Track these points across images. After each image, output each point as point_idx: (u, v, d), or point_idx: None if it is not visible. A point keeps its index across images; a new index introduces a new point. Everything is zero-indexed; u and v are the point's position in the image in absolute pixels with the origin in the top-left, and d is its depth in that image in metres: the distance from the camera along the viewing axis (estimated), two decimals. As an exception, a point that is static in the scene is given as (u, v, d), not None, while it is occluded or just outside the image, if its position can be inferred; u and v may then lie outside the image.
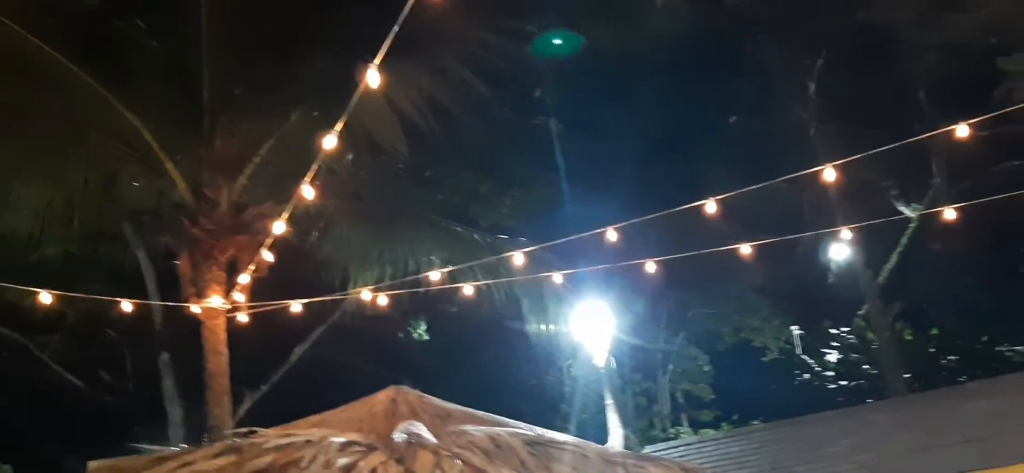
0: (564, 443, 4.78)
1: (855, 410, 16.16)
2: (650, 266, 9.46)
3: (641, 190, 16.22)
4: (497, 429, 4.68)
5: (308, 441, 4.18)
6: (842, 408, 15.81)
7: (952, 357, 20.79)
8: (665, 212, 8.70)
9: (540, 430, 4.88)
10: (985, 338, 20.80)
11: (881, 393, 19.13)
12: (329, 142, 6.54)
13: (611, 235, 8.77)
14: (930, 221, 20.83)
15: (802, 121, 19.08)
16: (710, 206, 7.73)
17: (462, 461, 4.10)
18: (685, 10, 16.90)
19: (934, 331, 21.59)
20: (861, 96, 18.03)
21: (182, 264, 9.84)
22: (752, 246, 8.59)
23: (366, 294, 10.49)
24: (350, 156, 10.29)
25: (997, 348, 20.61)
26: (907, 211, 21.27)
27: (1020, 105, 9.37)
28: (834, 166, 8.68)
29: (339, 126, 6.34)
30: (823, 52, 19.04)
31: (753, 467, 12.22)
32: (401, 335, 20.22)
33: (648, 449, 16.11)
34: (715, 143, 19.53)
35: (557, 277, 10.01)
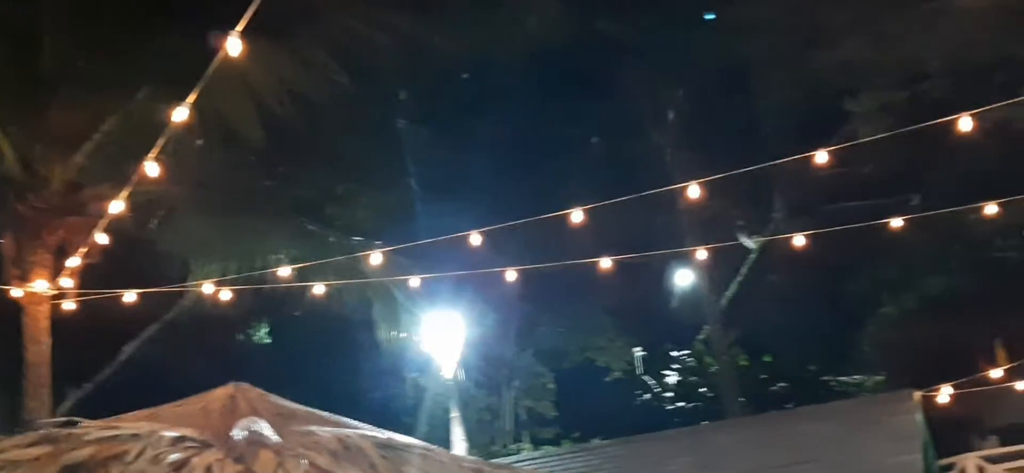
0: (416, 447, 4.60)
1: (694, 430, 16.66)
2: (504, 278, 9.38)
3: (501, 202, 16.20)
4: (345, 430, 4.43)
5: (135, 435, 3.81)
6: (681, 427, 16.25)
7: (782, 383, 21.85)
8: (517, 222, 8.63)
9: (390, 434, 4.66)
10: (812, 367, 21.98)
11: (717, 415, 19.85)
12: (180, 114, 6.09)
13: (468, 242, 8.64)
14: (769, 253, 21.93)
15: (660, 147, 19.63)
16: (569, 217, 7.71)
17: (308, 462, 3.83)
18: (557, 29, 17.09)
19: (767, 358, 22.64)
20: (717, 127, 18.71)
21: (5, 243, 9.04)
22: (611, 261, 8.62)
23: (207, 288, 9.92)
24: (200, 141, 9.72)
25: (822, 377, 21.82)
26: (748, 242, 22.27)
27: (859, 140, 9.87)
28: (676, 189, 8.87)
29: (192, 98, 5.92)
30: (685, 81, 19.68)
31: (593, 482, 12.33)
32: (241, 337, 19.42)
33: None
34: (575, 162, 19.81)
35: (414, 281, 9.80)
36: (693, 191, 7.45)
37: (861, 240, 21.25)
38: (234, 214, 11.13)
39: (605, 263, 8.66)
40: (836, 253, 21.61)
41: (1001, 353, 13.15)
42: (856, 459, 10.83)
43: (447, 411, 18.48)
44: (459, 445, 16.77)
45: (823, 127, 14.77)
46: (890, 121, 12.72)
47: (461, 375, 18.37)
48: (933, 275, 19.41)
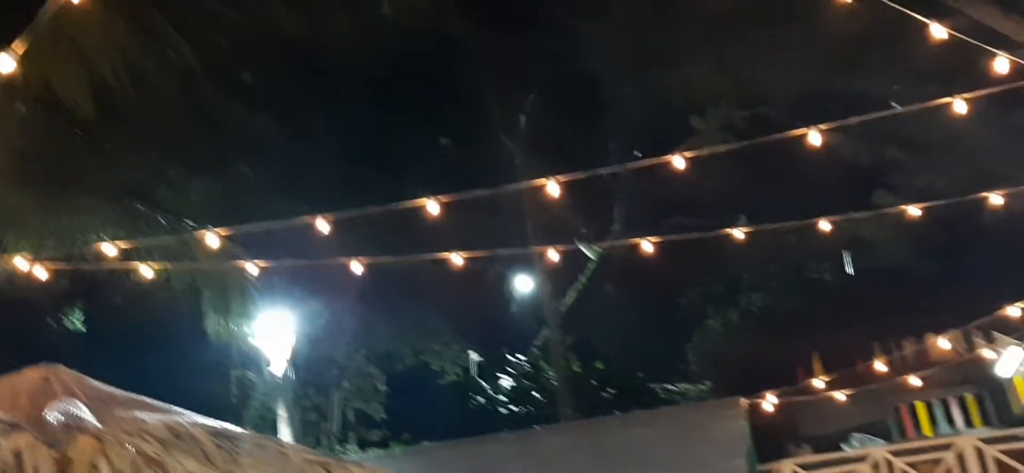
0: (249, 437, 4.30)
1: (527, 433, 16.76)
2: (339, 277, 9.06)
3: (343, 198, 15.78)
4: (175, 418, 4.09)
5: (-76, 417, 3.36)
6: (514, 431, 16.34)
7: (611, 390, 22.41)
8: (356, 212, 8.34)
9: (223, 423, 4.34)
10: (641, 374, 22.68)
11: (550, 421, 20.08)
12: (5, 64, 5.43)
13: (305, 236, 8.29)
14: (607, 263, 22.51)
15: (510, 152, 19.73)
16: (413, 210, 7.51)
17: (135, 450, 3.49)
18: (412, 24, 16.85)
19: (599, 365, 23.18)
20: (566, 136, 19.00)
21: None
22: (453, 257, 8.47)
23: (21, 264, 9.05)
24: (22, 107, 8.88)
25: (650, 385, 22.56)
26: (588, 251, 22.77)
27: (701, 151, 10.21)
28: (520, 187, 8.87)
29: (19, 48, 5.32)
30: (537, 88, 19.87)
31: (425, 485, 12.16)
32: (53, 323, 18.06)
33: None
34: (423, 162, 19.61)
35: (250, 268, 9.30)
36: (536, 189, 7.35)
37: (692, 256, 22.24)
38: (55, 189, 10.26)
39: (450, 259, 8.50)
40: (669, 267, 22.46)
41: (817, 366, 13.92)
42: (685, 464, 11.18)
43: (273, 410, 17.82)
44: (286, 445, 16.15)
45: (668, 143, 15.23)
46: (730, 141, 13.26)
47: (291, 373, 17.76)
48: (755, 291, 20.48)
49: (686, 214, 17.99)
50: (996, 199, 8.06)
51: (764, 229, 8.46)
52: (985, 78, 11.77)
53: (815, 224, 8.50)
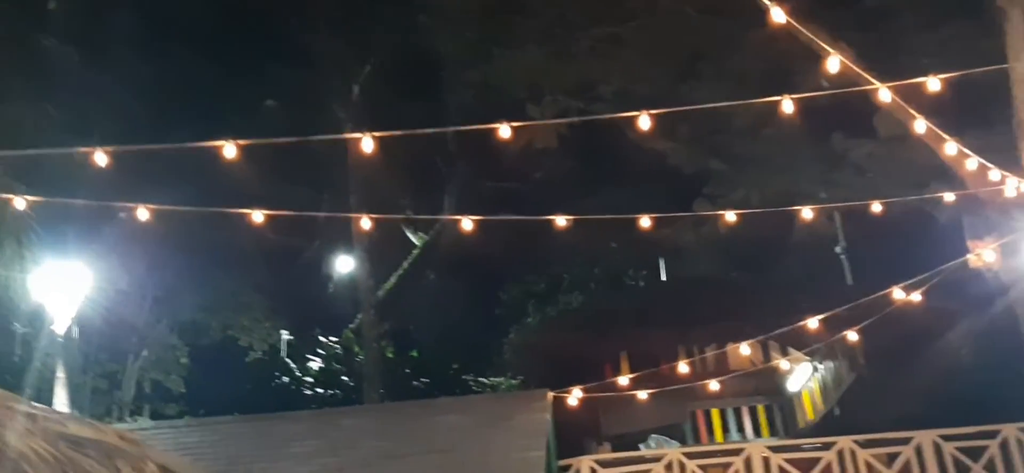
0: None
1: (327, 413, 16.14)
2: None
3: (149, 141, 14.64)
4: None
5: None
6: (315, 410, 15.70)
7: (425, 379, 22.10)
8: (157, 146, 7.58)
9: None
10: (455, 366, 22.50)
11: (356, 405, 19.55)
12: None
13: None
14: (433, 251, 22.18)
15: (339, 121, 18.97)
16: (222, 154, 6.87)
17: None
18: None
19: (413, 353, 22.81)
20: (400, 113, 18.48)
21: None
22: (265, 214, 7.85)
23: None
24: None
25: (464, 376, 22.41)
26: (413, 237, 22.38)
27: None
28: (336, 138, 8.44)
29: None
30: (374, 59, 19.21)
31: (210, 459, 11.31)
32: None
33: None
34: (245, 121, 18.57)
35: (19, 202, 8.31)
36: (367, 145, 6.89)
37: (517, 254, 22.35)
38: None
39: (251, 215, 7.86)
40: (494, 262, 22.49)
41: (624, 366, 14.10)
42: (486, 451, 10.95)
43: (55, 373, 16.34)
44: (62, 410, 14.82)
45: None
46: (564, 131, 13.22)
47: (75, 333, 16.33)
48: (575, 291, 20.75)
49: (517, 209, 17.86)
50: (807, 213, 8.27)
51: (587, 219, 8.33)
52: (804, 102, 12.33)
53: (636, 221, 8.45)
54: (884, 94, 6.04)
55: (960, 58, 7.45)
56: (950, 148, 6.78)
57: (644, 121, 6.28)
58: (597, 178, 15.11)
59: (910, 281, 8.67)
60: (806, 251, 14.24)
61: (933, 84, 6.08)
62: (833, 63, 6.11)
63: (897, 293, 9.04)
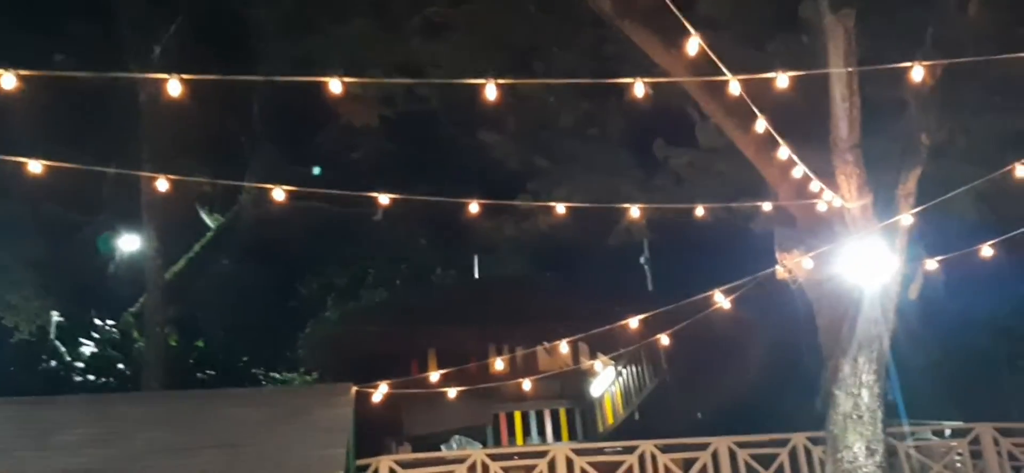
0: None
1: (101, 398, 14.66)
2: None
3: None
4: None
5: None
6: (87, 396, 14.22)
7: (210, 371, 20.71)
8: None
9: None
10: (245, 358, 21.25)
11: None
12: None
13: None
14: (229, 236, 20.82)
15: (134, 83, 17.35)
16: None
17: None
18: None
19: (199, 343, 21.34)
20: (206, 84, 17.11)
21: None
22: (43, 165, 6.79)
23: None
24: None
25: (254, 370, 21.19)
26: (209, 219, 20.90)
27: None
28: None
29: None
30: (178, 20, 17.69)
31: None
32: None
33: None
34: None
35: None
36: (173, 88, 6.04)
37: (321, 245, 21.41)
38: None
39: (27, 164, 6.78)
40: (295, 253, 21.45)
41: (432, 364, 13.69)
42: (281, 447, 10.18)
43: None
44: None
45: (320, 108, 14.15)
46: (386, 111, 12.61)
47: None
48: (381, 287, 20.10)
49: (329, 199, 17.04)
50: (635, 212, 8.17)
51: (405, 199, 7.82)
52: (628, 105, 12.41)
53: (457, 209, 8.05)
54: (734, 86, 5.96)
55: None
56: (783, 153, 6.85)
57: (491, 90, 5.84)
58: (417, 166, 14.57)
59: (720, 289, 8.74)
60: (618, 257, 14.39)
61: (782, 81, 6.06)
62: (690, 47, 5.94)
63: (707, 300, 9.15)
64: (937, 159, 8.66)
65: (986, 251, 7.61)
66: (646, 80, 6.15)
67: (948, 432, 11.64)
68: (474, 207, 7.74)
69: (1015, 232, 7.31)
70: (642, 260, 16.74)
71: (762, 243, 9.92)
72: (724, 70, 5.82)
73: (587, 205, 7.97)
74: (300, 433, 10.59)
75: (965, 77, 8.36)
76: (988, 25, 6.03)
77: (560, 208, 7.87)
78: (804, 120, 8.20)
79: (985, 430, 11.26)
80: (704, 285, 9.19)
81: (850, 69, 7.28)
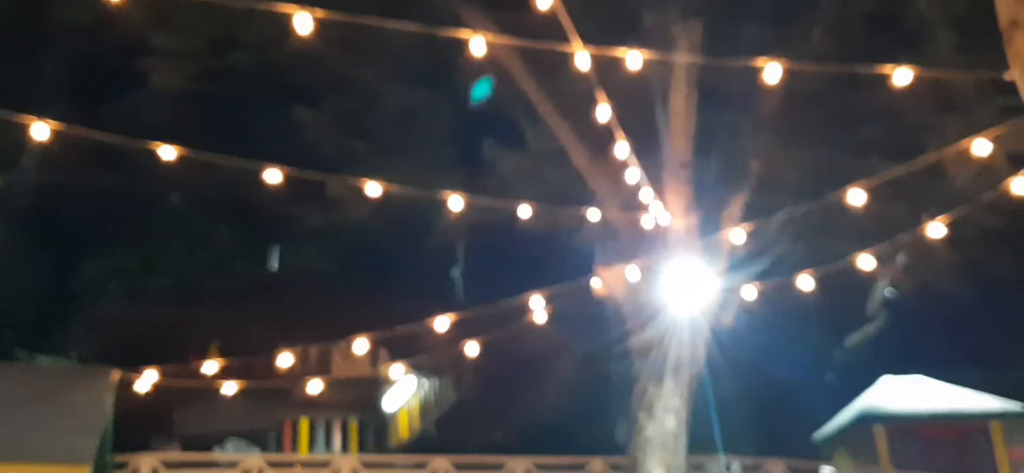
0: None
1: None
2: None
3: None
4: None
5: None
6: None
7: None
8: None
9: None
10: (7, 336, 18.94)
11: None
12: None
13: None
14: (7, 203, 18.54)
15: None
16: None
17: None
18: None
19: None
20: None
21: None
22: None
23: None
24: None
25: (17, 350, 18.88)
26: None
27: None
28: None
29: None
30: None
31: None
32: None
33: None
34: None
35: None
36: None
37: (104, 223, 19.45)
38: None
39: None
40: (80, 228, 19.37)
41: (213, 358, 12.43)
42: (23, 432, 8.80)
43: None
44: None
45: (117, 65, 12.66)
46: (191, 67, 11.36)
47: None
48: (169, 273, 18.45)
49: (117, 164, 15.39)
50: (458, 202, 7.52)
51: (198, 158, 6.82)
52: (460, 101, 11.86)
53: (261, 181, 7.13)
54: (582, 59, 5.45)
55: (623, 85, 7.21)
56: (621, 149, 6.44)
57: (304, 21, 5.05)
58: (221, 140, 13.22)
59: (535, 292, 8.19)
60: (431, 264, 13.74)
61: (634, 59, 5.60)
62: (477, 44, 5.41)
63: (519, 307, 8.61)
64: (765, 191, 8.59)
65: (802, 285, 7.50)
66: (488, 36, 5.51)
67: (735, 465, 11.70)
68: (276, 175, 6.84)
69: (830, 266, 7.23)
70: (454, 272, 16.15)
71: (584, 260, 9.54)
72: (574, 40, 5.31)
73: (403, 189, 7.26)
74: (47, 418, 9.22)
75: (801, 110, 8.37)
76: (831, 54, 5.91)
77: (373, 187, 7.09)
78: (635, 138, 7.86)
79: (776, 465, 11.38)
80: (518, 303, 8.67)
81: (695, 61, 6.98)
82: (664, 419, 8.82)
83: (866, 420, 13.79)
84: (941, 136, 7.68)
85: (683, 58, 7.26)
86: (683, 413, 8.71)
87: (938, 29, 7.88)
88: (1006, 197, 6.43)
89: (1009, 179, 5.55)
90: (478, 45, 5.50)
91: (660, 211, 7.93)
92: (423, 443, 13.42)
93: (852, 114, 8.88)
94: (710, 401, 9.36)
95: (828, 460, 13.70)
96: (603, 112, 5.93)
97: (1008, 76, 4.87)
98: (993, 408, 13.91)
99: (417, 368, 13.12)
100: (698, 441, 9.62)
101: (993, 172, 7.90)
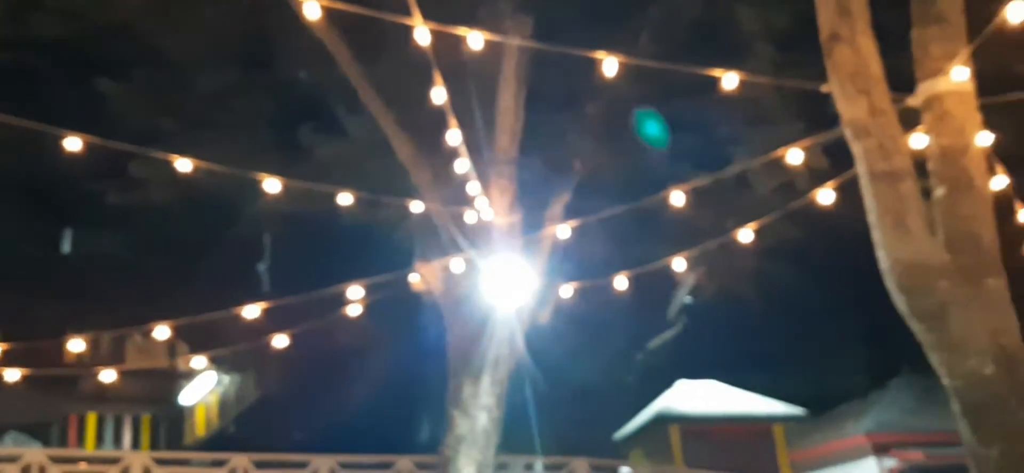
0: None
1: None
2: None
3: None
4: None
5: None
6: None
7: None
8: None
9: None
10: None
11: None
12: None
13: None
14: None
15: None
16: None
17: None
18: None
19: None
20: None
21: None
22: None
23: None
24: None
25: None
26: None
27: None
28: None
29: None
30: None
31: None
32: None
33: None
34: None
35: None
36: None
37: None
38: None
39: None
40: None
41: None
42: None
43: None
44: None
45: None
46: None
47: None
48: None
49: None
50: (274, 185, 7.18)
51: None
52: (280, 83, 11.37)
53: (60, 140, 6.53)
54: (422, 34, 5.33)
55: (453, 81, 7.17)
56: (453, 136, 6.37)
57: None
58: (17, 112, 12.02)
59: (350, 283, 7.96)
60: (239, 255, 13.13)
61: (475, 39, 5.53)
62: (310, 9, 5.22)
63: (333, 301, 8.36)
64: (584, 193, 8.77)
65: (618, 285, 7.73)
66: (322, 1, 5.29)
67: (539, 466, 11.91)
68: (76, 143, 6.29)
69: (644, 267, 7.50)
70: (260, 267, 15.51)
71: (402, 260, 9.38)
72: (416, 13, 5.19)
73: (216, 167, 6.85)
74: None
75: (623, 116, 8.62)
76: (657, 60, 6.12)
77: (183, 164, 6.65)
78: (464, 131, 7.83)
79: (580, 464, 11.67)
80: (330, 299, 8.39)
81: (531, 46, 7.01)
82: (477, 416, 8.80)
83: (662, 421, 14.52)
84: (749, 148, 8.22)
85: (520, 43, 7.28)
86: (496, 411, 8.72)
87: (758, 43, 8.40)
88: (802, 210, 6.94)
89: (815, 190, 5.95)
90: (312, 9, 5.27)
91: (484, 206, 7.94)
92: (220, 441, 12.81)
93: (669, 123, 9.27)
94: (529, 399, 9.47)
95: (626, 459, 14.28)
96: (438, 94, 5.85)
97: (826, 88, 5.29)
98: (776, 412, 15.06)
99: (218, 362, 12.51)
100: (513, 440, 9.71)
101: (793, 185, 8.51)
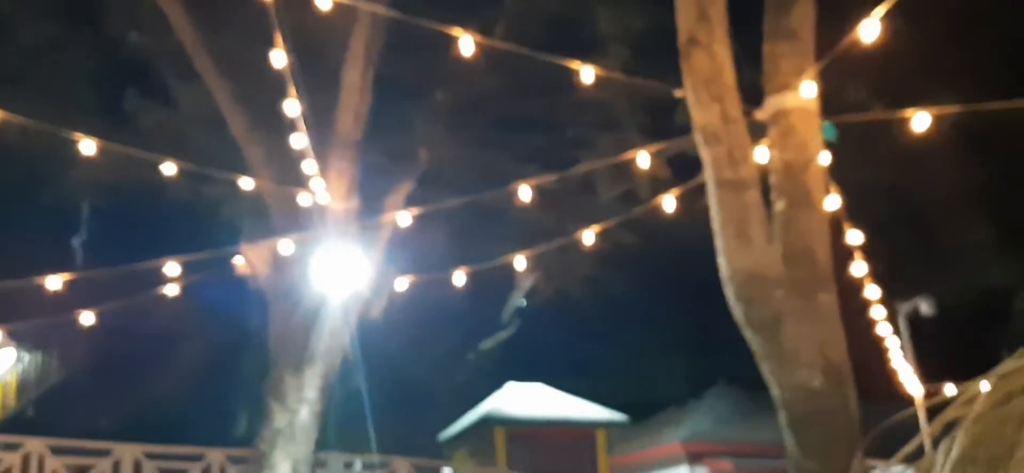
0: None
1: None
2: None
3: None
4: None
5: None
6: None
7: None
8: None
9: None
10: None
11: None
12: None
13: None
14: None
15: None
16: None
17: None
18: None
19: None
20: None
21: None
22: None
23: None
24: None
25: None
26: None
27: None
28: None
29: None
30: None
31: None
32: None
33: None
34: None
35: None
36: None
37: None
38: None
39: None
40: None
41: None
42: None
43: None
44: None
45: None
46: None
47: None
48: None
49: None
50: (90, 147, 6.57)
51: None
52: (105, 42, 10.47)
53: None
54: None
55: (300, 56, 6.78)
56: (291, 107, 5.97)
57: None
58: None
59: (167, 259, 7.39)
60: (48, 223, 12.06)
61: (321, 2, 5.16)
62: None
63: (149, 278, 7.75)
64: (427, 185, 8.53)
65: (456, 280, 7.54)
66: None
67: (359, 464, 11.58)
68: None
69: (484, 264, 7.36)
70: (74, 241, 14.32)
71: (230, 238, 8.81)
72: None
73: (26, 120, 6.18)
74: None
75: (472, 109, 8.42)
76: (512, 53, 5.98)
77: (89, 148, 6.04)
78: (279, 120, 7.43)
79: (401, 464, 11.41)
80: (149, 276, 7.76)
81: (390, 14, 6.68)
82: (298, 410, 8.40)
83: (487, 422, 14.49)
84: (596, 151, 8.23)
85: (370, 7, 6.93)
86: (318, 405, 8.34)
87: (614, 44, 8.41)
88: (640, 219, 6.99)
89: (659, 196, 5.97)
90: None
91: (321, 189, 7.55)
92: (17, 424, 11.72)
93: (518, 122, 9.17)
94: (353, 394, 9.11)
95: (450, 460, 14.14)
96: (278, 58, 5.46)
97: (680, 93, 5.28)
98: (599, 417, 15.32)
99: (17, 337, 11.43)
100: (335, 436, 9.35)
101: (635, 193, 8.59)
